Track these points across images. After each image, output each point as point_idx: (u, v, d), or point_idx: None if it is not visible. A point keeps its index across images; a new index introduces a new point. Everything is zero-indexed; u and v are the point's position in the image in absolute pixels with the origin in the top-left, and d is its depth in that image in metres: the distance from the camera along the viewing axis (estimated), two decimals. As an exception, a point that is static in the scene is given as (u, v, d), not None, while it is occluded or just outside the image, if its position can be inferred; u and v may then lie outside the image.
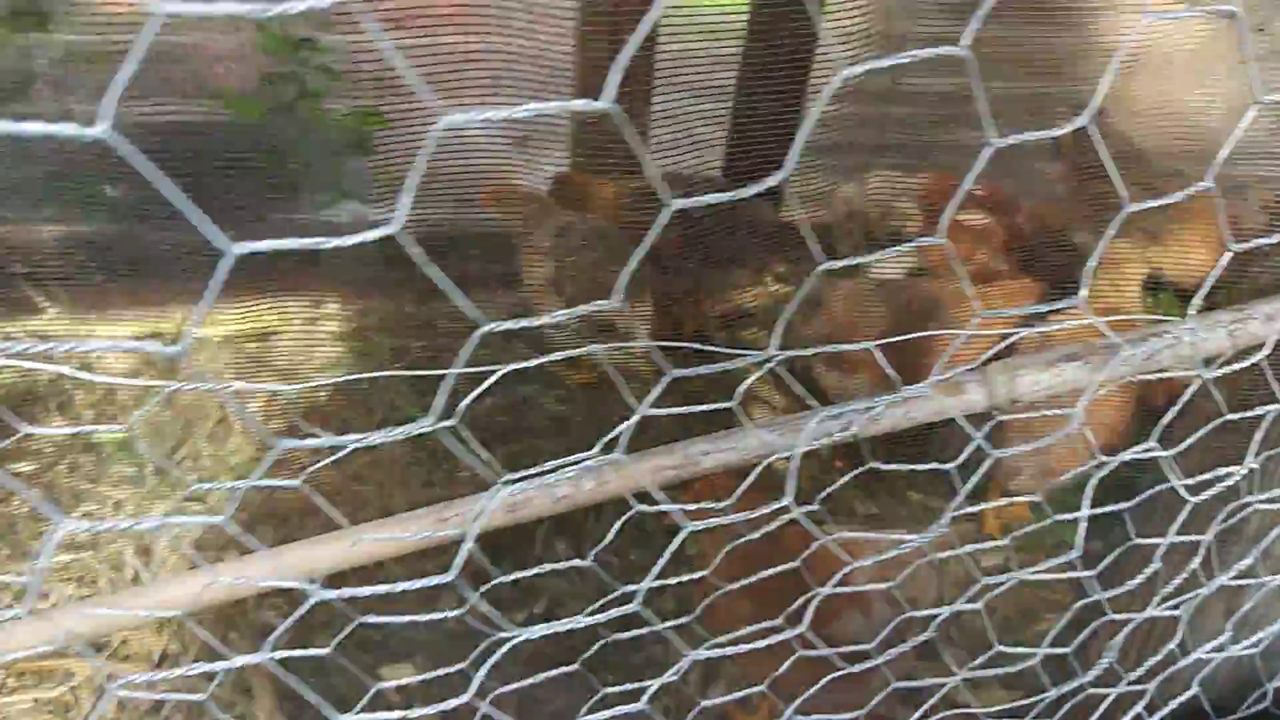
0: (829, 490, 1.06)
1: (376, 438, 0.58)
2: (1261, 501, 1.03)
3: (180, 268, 1.83)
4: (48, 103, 1.77)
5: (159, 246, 1.85)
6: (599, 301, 0.54)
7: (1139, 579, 1.02)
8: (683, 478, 0.69)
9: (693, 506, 0.86)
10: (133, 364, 1.89)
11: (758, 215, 2.01)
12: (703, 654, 0.92)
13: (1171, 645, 1.14)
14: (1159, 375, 0.79)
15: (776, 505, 0.75)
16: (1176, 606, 1.08)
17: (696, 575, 0.89)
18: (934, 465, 1.01)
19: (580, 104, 0.48)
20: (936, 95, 1.94)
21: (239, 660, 0.62)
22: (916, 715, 1.20)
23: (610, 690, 0.91)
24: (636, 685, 0.89)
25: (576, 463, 0.65)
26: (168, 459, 1.77)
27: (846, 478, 0.99)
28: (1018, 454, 0.82)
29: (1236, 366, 0.80)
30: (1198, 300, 0.74)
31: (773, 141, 1.92)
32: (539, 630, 0.76)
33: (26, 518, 1.71)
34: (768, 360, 0.63)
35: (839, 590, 0.87)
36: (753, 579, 0.94)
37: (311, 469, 0.81)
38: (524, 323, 0.52)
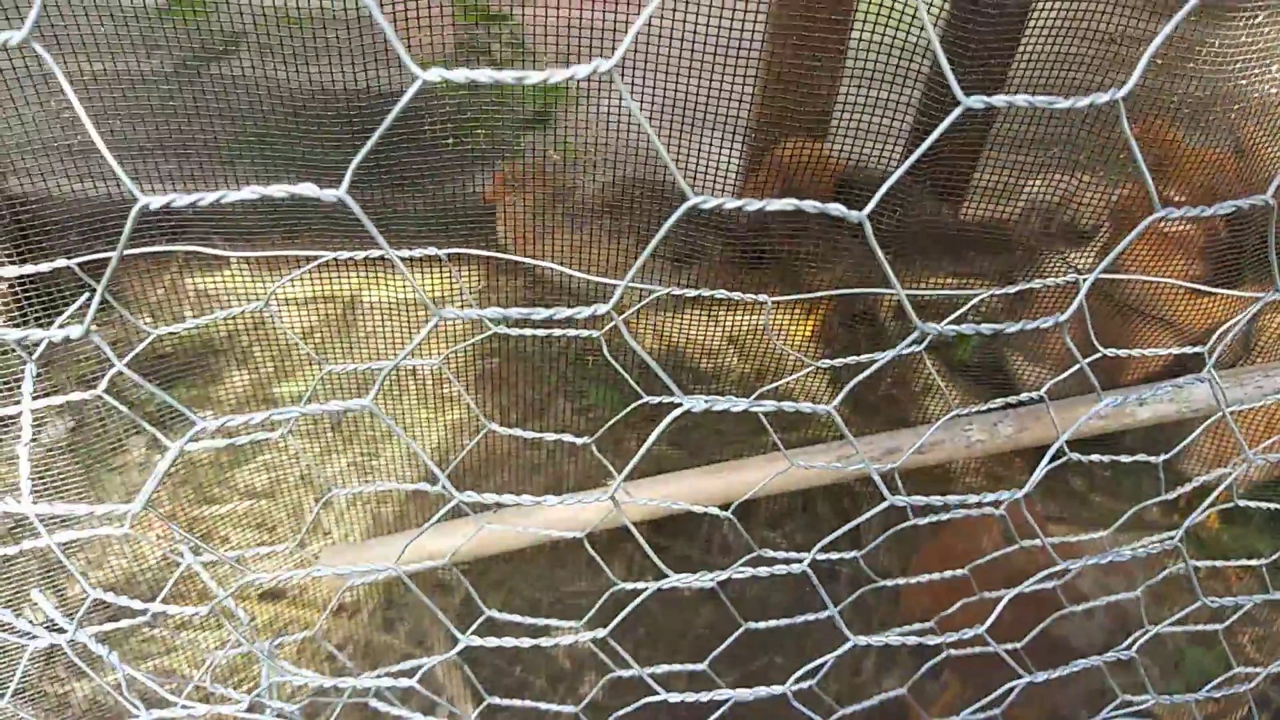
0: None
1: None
2: None
3: (351, 233, 1.87)
4: (252, 65, 1.81)
5: (335, 212, 1.89)
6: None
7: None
8: (1110, 430, 0.66)
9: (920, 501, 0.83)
10: (311, 323, 1.93)
11: (936, 210, 1.95)
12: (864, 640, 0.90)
13: None
14: None
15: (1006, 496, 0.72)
16: None
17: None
18: (1140, 458, 0.96)
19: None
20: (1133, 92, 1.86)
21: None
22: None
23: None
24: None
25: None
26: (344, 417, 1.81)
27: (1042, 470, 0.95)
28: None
29: None
30: None
31: (960, 135, 1.86)
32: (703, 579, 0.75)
33: (207, 465, 1.77)
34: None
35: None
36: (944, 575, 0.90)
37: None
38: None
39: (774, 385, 1.30)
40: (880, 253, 0.56)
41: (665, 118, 1.82)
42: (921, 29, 1.78)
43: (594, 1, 1.77)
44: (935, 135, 0.53)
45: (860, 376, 0.77)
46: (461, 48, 1.90)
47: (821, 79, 1.89)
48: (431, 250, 1.00)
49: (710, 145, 1.87)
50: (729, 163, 1.84)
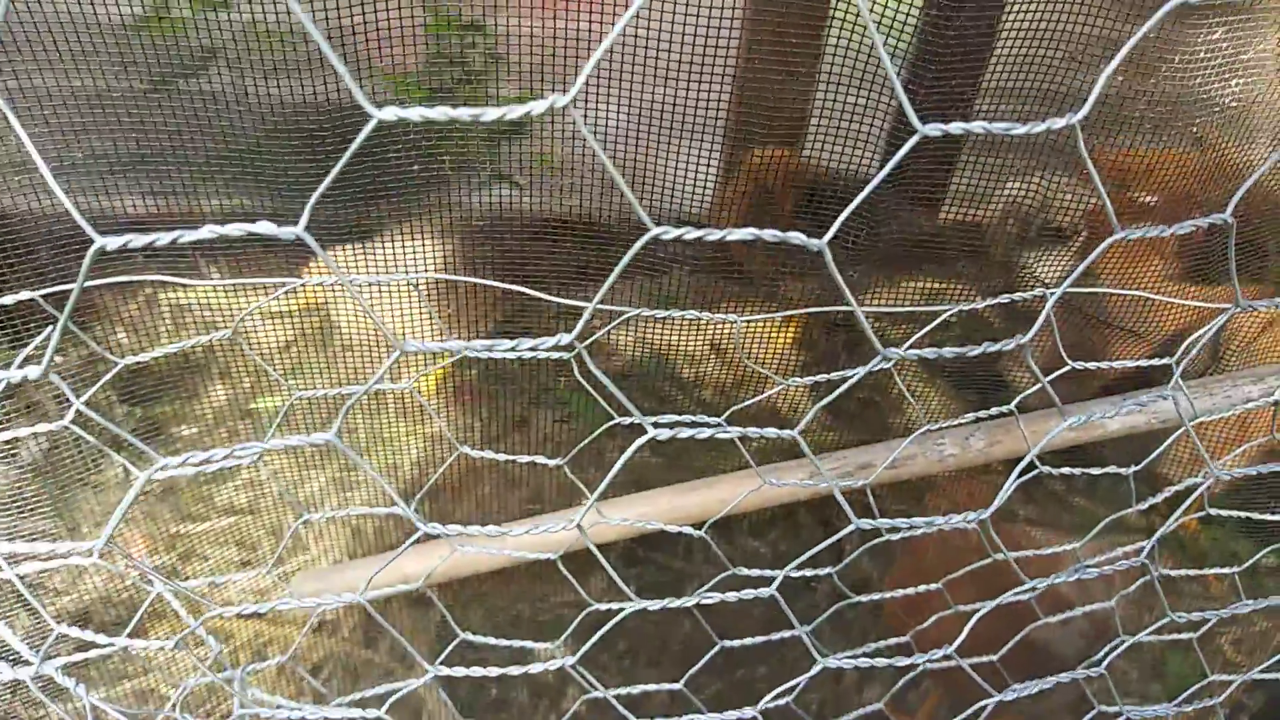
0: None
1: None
2: None
3: (332, 240, 1.86)
4: (225, 81, 1.80)
5: (318, 214, 1.88)
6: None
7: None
8: (1081, 441, 0.67)
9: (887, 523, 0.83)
10: (289, 335, 1.93)
11: (913, 214, 1.96)
12: (834, 661, 0.90)
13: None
14: None
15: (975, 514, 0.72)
16: None
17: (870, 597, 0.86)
18: (1111, 470, 0.97)
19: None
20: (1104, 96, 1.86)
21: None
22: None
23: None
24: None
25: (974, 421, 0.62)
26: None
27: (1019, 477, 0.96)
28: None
29: None
30: None
31: (937, 139, 1.87)
32: (670, 603, 0.75)
33: (190, 481, 1.76)
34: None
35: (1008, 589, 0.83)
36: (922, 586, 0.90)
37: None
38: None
39: (754, 400, 1.29)
40: (840, 278, 0.56)
41: (641, 124, 1.82)
42: (902, 31, 1.79)
43: (569, 10, 1.76)
44: (893, 163, 0.53)
45: (828, 399, 0.77)
46: (435, 58, 1.89)
47: (796, 84, 1.89)
48: (400, 276, 1.00)
49: (687, 151, 1.87)
50: (705, 168, 1.84)
